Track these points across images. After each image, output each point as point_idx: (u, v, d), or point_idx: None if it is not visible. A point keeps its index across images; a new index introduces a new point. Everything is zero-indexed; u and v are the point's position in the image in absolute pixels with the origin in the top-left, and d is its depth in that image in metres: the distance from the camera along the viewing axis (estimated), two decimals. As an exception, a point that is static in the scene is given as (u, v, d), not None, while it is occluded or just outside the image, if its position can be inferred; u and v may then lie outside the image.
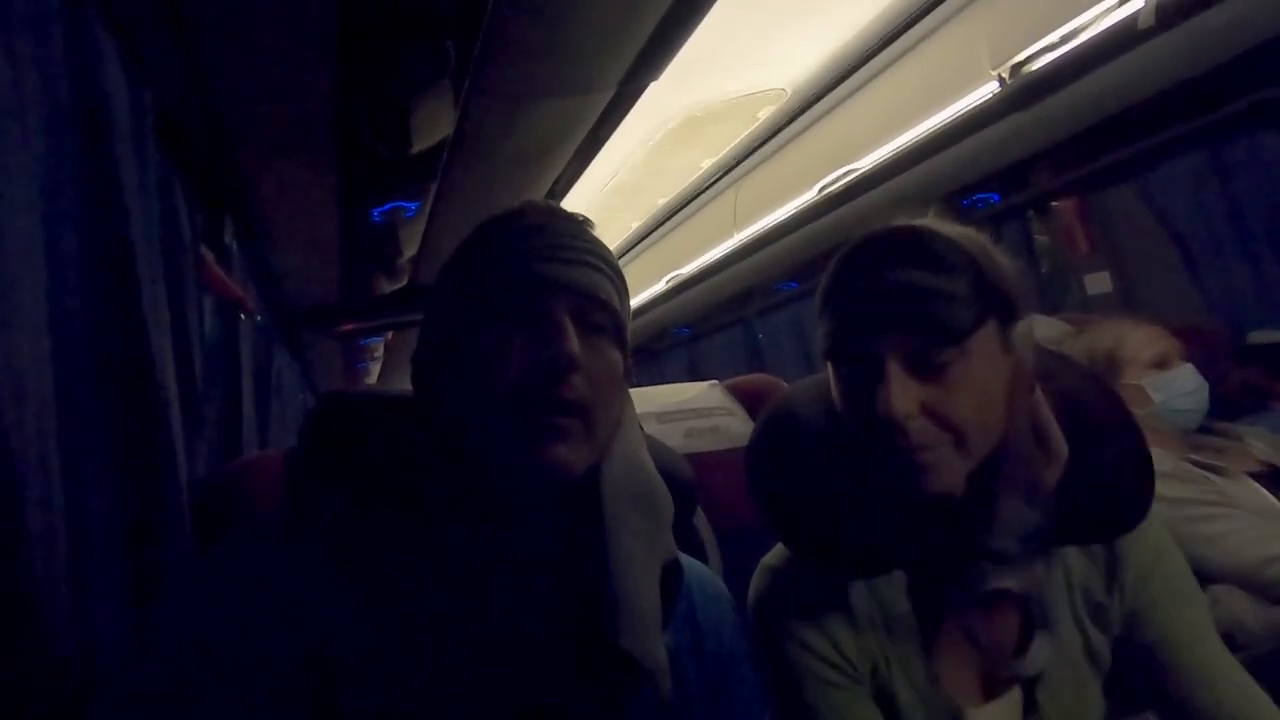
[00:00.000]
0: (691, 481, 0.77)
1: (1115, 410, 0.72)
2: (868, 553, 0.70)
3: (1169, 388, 1.29)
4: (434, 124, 1.45)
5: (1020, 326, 0.67)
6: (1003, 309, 0.66)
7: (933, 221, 0.68)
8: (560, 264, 0.60)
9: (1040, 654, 0.69)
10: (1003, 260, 0.68)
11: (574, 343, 0.57)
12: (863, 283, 0.66)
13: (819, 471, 0.72)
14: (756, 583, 0.78)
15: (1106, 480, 0.69)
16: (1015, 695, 0.72)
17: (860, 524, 0.69)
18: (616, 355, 0.62)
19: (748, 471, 0.77)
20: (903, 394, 0.62)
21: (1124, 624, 0.74)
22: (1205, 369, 1.33)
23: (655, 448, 0.72)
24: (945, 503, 0.66)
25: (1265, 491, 1.21)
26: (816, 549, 0.72)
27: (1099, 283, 2.10)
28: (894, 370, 0.63)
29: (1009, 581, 0.66)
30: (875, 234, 0.68)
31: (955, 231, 0.68)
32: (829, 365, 0.71)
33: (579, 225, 0.64)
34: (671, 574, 0.63)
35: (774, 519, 0.74)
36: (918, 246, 0.65)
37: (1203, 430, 1.36)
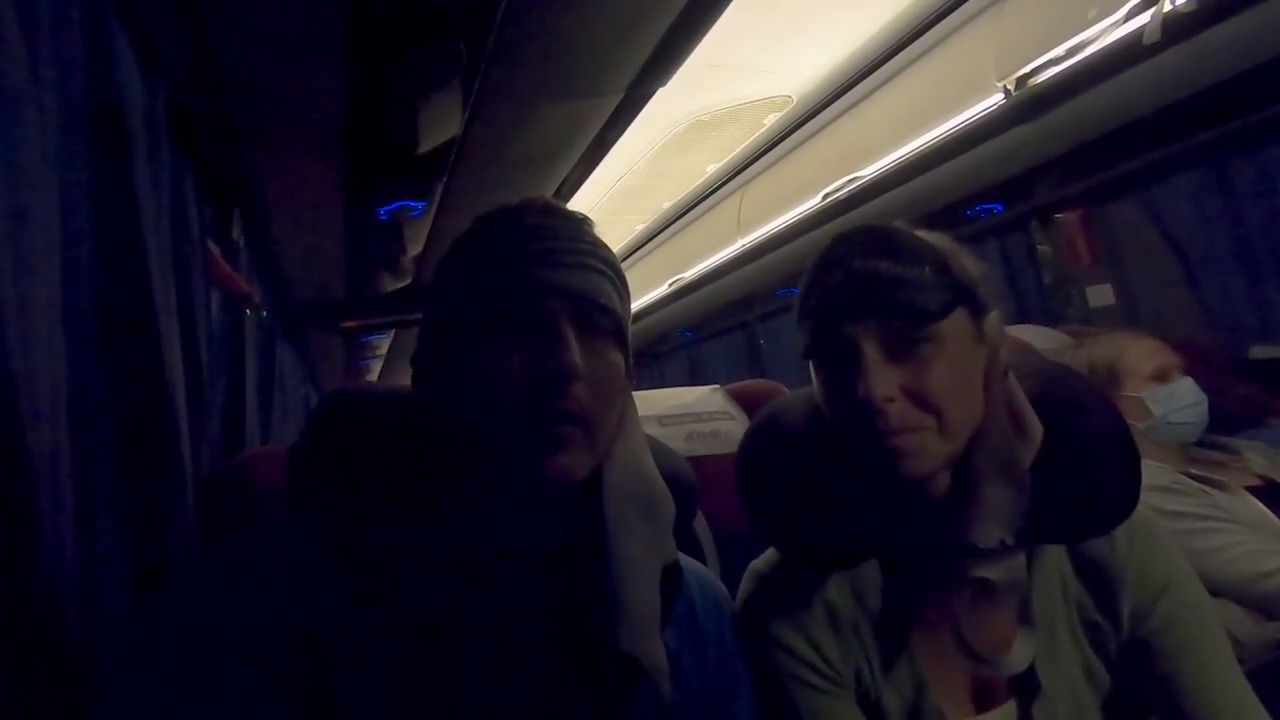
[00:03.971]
0: (693, 484, 0.77)
1: (1091, 395, 0.74)
2: (848, 545, 0.71)
3: (1169, 401, 1.30)
4: (443, 124, 1.46)
5: (990, 318, 0.70)
6: (971, 301, 0.69)
7: (899, 223, 0.72)
8: (560, 268, 0.58)
9: (1024, 650, 0.68)
10: (968, 260, 0.71)
11: (575, 353, 0.56)
12: (834, 278, 0.68)
13: (802, 471, 0.73)
14: (743, 586, 0.79)
15: (1086, 468, 0.69)
16: (1009, 709, 0.71)
17: (841, 517, 0.70)
18: (618, 357, 0.62)
19: (737, 476, 0.79)
20: (880, 377, 0.64)
21: (1130, 653, 0.72)
22: (1205, 383, 1.33)
23: (658, 450, 0.72)
24: (926, 490, 0.68)
25: (1262, 506, 1.22)
26: (800, 547, 0.73)
27: (1101, 295, 2.10)
28: (870, 355, 0.65)
29: (989, 571, 0.66)
30: (843, 235, 0.71)
31: (921, 232, 0.72)
32: (811, 366, 0.73)
33: (579, 225, 0.63)
34: (671, 575, 0.63)
35: (760, 520, 0.76)
36: (882, 241, 0.68)
37: (1201, 444, 1.37)
